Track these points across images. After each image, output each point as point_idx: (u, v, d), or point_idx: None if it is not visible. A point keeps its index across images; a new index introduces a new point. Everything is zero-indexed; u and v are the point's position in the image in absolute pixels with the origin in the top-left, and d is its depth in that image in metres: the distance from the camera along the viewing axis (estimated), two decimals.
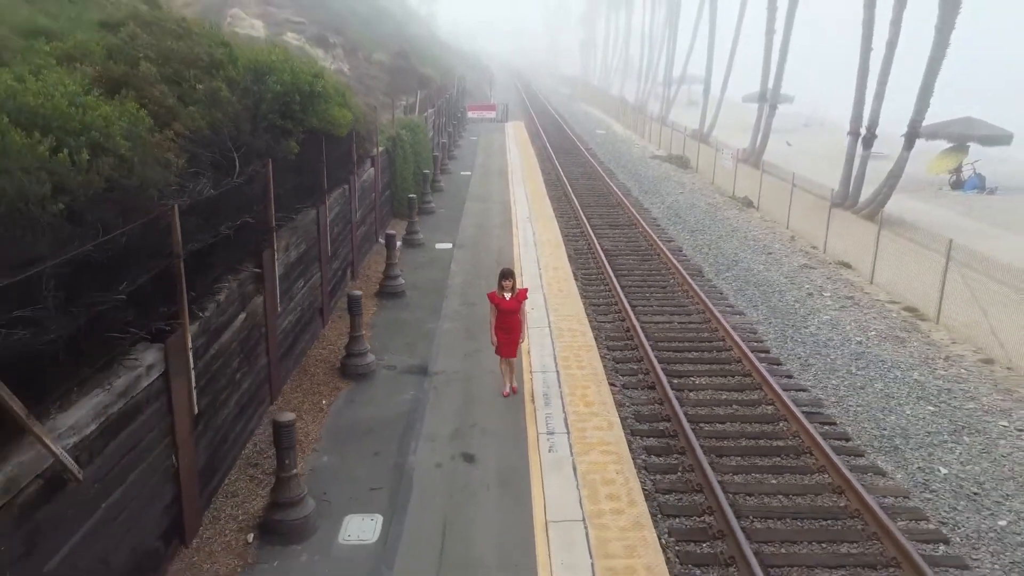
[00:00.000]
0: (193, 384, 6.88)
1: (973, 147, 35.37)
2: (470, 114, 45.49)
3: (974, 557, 7.94)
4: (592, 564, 6.87)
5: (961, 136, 34.79)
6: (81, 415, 5.17)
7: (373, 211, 17.52)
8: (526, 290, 9.95)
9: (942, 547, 8.00)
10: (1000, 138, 34.34)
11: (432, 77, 39.56)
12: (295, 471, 7.26)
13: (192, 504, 6.99)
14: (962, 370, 13.56)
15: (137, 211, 6.03)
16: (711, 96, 50.68)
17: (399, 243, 16.55)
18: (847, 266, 20.24)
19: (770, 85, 39.89)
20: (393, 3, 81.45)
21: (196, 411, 7.01)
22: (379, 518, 7.51)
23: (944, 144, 35.83)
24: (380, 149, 17.98)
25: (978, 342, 14.75)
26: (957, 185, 34.19)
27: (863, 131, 28.86)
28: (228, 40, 10.11)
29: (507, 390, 10.03)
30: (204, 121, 8.15)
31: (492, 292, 9.71)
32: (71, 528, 5.12)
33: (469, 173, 29.00)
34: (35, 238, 4.86)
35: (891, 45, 27.78)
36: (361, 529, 7.35)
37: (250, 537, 7.17)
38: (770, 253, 20.99)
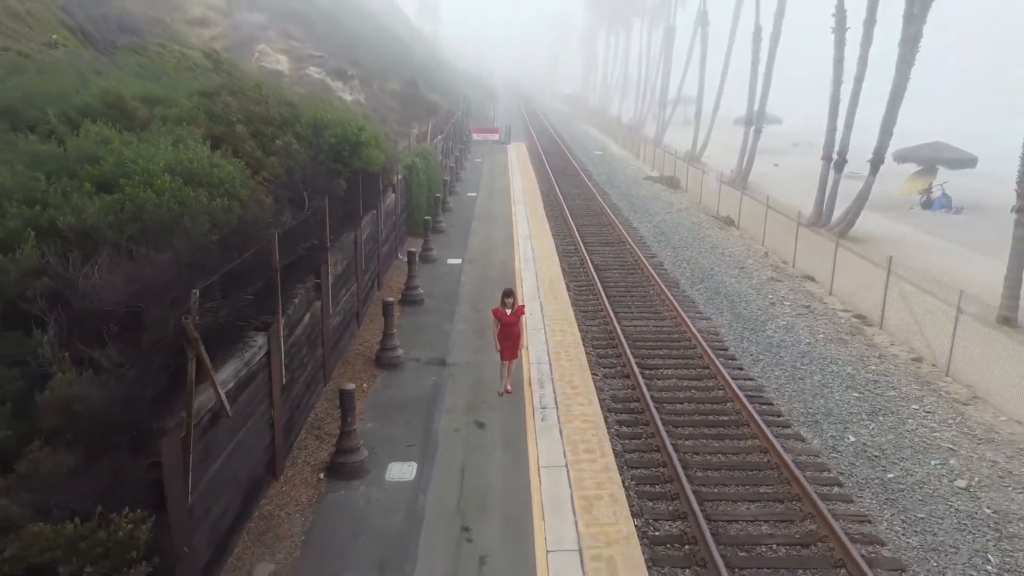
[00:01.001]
0: (282, 362, 9.53)
1: (941, 170, 38.10)
2: (475, 136, 48.29)
3: (858, 496, 10.55)
4: (571, 493, 9.47)
5: (930, 159, 37.56)
6: (227, 374, 7.81)
7: (394, 231, 20.23)
8: (523, 306, 12.50)
9: (836, 488, 10.62)
10: (966, 161, 37.05)
11: (439, 103, 42.43)
12: (354, 427, 9.89)
13: (281, 449, 9.62)
14: (892, 366, 16.17)
15: (252, 239, 8.71)
16: (705, 116, 53.53)
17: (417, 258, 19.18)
18: (811, 279, 22.87)
19: (755, 110, 42.75)
20: (398, 22, 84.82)
21: (283, 382, 9.65)
22: (414, 464, 10.13)
23: (915, 167, 38.60)
24: (399, 177, 20.69)
25: (912, 344, 17.35)
26: (927, 205, 36.87)
27: (835, 156, 31.64)
28: (293, 100, 12.84)
29: (502, 389, 12.33)
30: (282, 168, 10.86)
31: (496, 308, 12.17)
32: (220, 450, 7.75)
33: (475, 194, 31.72)
34: (205, 258, 7.53)
35: (858, 79, 30.61)
36: (401, 471, 9.96)
37: (321, 475, 9.79)
38: (743, 267, 23.64)
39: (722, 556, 8.72)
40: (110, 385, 6.20)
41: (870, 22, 29.63)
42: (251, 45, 32.86)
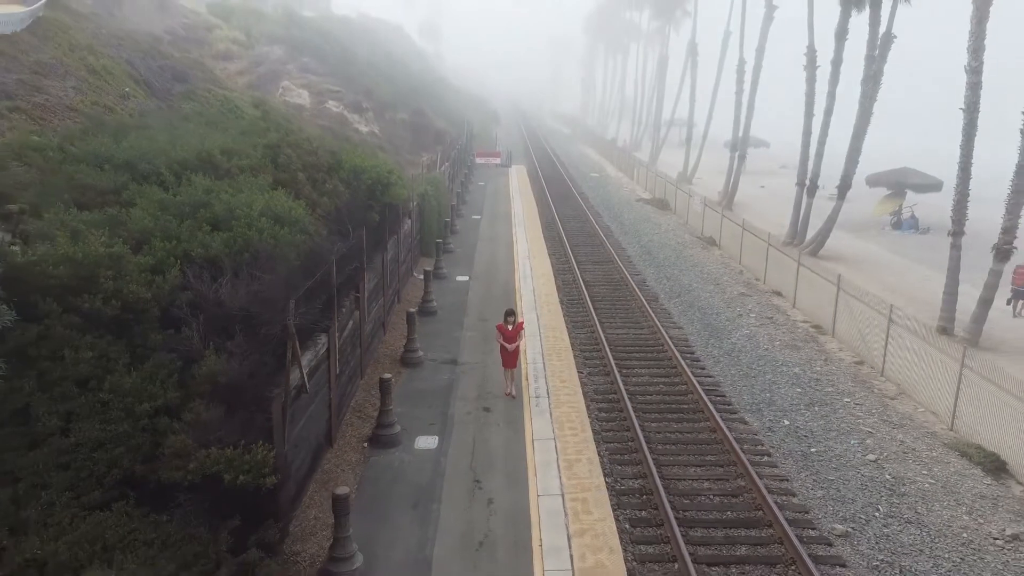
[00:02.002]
0: (336, 357, 12.46)
1: (910, 193, 41.13)
2: (478, 160, 51.40)
3: (782, 463, 13.44)
4: (557, 458, 12.36)
5: (898, 184, 40.62)
6: (305, 362, 10.75)
7: (410, 252, 23.22)
8: (522, 323, 15.38)
9: (765, 458, 13.51)
10: (931, 186, 40.10)
11: (446, 130, 45.59)
12: (390, 407, 12.81)
13: (335, 423, 12.54)
14: (835, 368, 19.08)
15: (318, 263, 11.68)
16: (695, 141, 56.63)
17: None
18: (778, 294, 25.79)
19: (739, 136, 45.87)
20: (403, 46, 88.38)
21: (336, 372, 12.58)
22: (436, 437, 13.02)
23: (885, 191, 41.63)
24: (414, 205, 23.71)
25: (857, 350, 20.24)
26: (897, 225, 39.88)
27: (807, 183, 34.69)
28: (336, 150, 15.87)
29: (507, 391, 15.13)
30: (331, 206, 13.85)
31: (500, 324, 15.03)
32: (300, 417, 10.66)
33: (479, 217, 34.75)
34: (293, 278, 10.48)
35: (828, 112, 33.72)
36: (427, 442, 12.85)
37: (365, 444, 12.69)
38: (718, 283, 26.59)
39: (670, 501, 11.61)
40: (239, 365, 9.16)
41: (837, 61, 32.76)
42: (276, 81, 36.01)
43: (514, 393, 14.88)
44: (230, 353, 9.18)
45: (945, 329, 22.58)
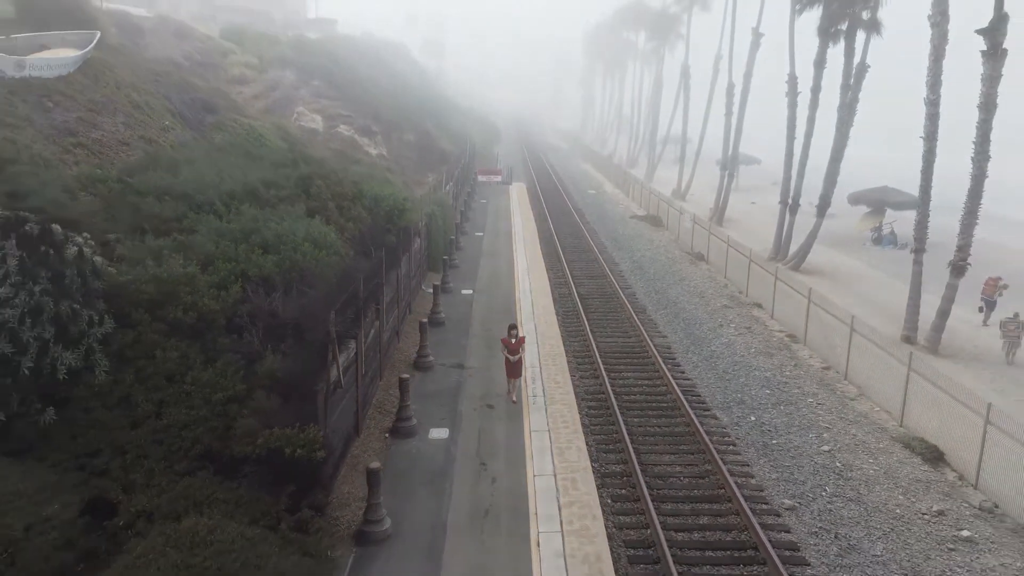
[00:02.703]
0: (362, 360, 14.61)
1: (889, 210, 43.37)
2: (480, 178, 53.71)
3: (745, 452, 15.57)
4: (551, 446, 14.48)
5: (879, 201, 42.85)
6: (341, 360, 12.89)
7: (419, 268, 25.41)
8: (524, 338, 17.42)
9: (731, 447, 15.64)
10: (910, 204, 42.22)
11: (450, 150, 47.94)
12: (408, 403, 14.95)
13: (360, 416, 14.68)
14: (803, 372, 21.21)
15: (350, 281, 13.86)
16: (689, 158, 59.03)
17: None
18: (759, 306, 27.94)
19: (728, 155, 48.23)
20: (407, 66, 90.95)
21: (363, 372, 14.73)
22: (447, 429, 15.15)
23: (866, 208, 43.87)
24: (423, 224, 25.93)
25: (825, 356, 22.36)
26: (877, 241, 42.10)
27: (790, 202, 36.94)
28: (358, 180, 18.11)
29: (511, 397, 17.14)
30: (356, 230, 16.06)
31: (504, 338, 17.09)
32: (335, 409, 12.79)
33: (481, 234, 36.98)
34: (331, 293, 12.66)
35: (808, 135, 36.05)
36: (439, 433, 14.97)
37: (387, 435, 14.82)
38: (702, 296, 28.77)
39: (645, 482, 13.73)
40: (291, 364, 11.33)
41: (816, 88, 35.11)
42: (290, 106, 38.37)
43: (516, 400, 16.75)
44: (284, 354, 11.35)
45: (909, 338, 24.73)
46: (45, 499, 8.73)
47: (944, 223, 42.77)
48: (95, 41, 23.90)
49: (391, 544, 11.17)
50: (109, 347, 10.33)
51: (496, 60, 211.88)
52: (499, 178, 54.82)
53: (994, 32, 22.15)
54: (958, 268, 23.67)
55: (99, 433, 9.86)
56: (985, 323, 27.25)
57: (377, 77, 61.07)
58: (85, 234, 11.66)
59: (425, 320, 18.52)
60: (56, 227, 11.16)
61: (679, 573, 11.33)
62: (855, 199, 43.07)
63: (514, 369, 16.59)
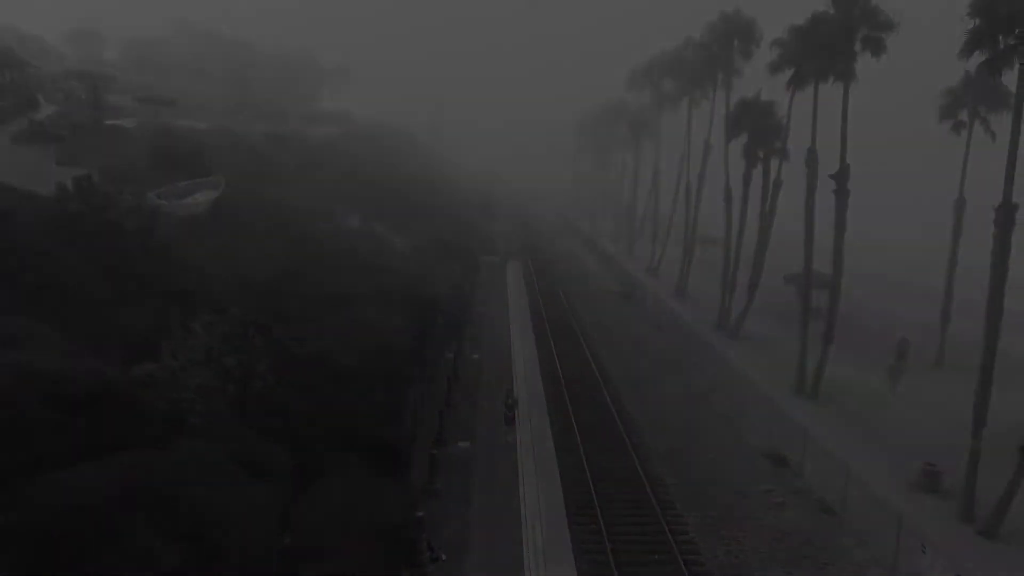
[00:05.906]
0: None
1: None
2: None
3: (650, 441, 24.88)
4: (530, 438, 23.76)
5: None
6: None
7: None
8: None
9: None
10: (825, 284, 52.06)
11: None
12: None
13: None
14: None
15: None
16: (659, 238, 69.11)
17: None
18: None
19: (687, 237, 58.36)
20: (417, 160, 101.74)
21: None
22: (469, 443, 24.40)
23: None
24: None
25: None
26: None
27: (727, 282, 46.78)
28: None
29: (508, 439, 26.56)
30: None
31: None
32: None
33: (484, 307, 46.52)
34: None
35: (740, 234, 46.12)
36: (465, 445, 24.21)
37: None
38: (653, 356, 38.24)
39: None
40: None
41: (744, 197, 45.39)
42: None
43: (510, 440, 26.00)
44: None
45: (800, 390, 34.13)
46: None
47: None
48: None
49: None
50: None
51: (508, 136, 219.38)
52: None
53: (841, 176, 32.45)
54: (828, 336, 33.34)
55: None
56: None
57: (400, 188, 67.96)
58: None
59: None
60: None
61: None
62: (789, 280, 52.88)
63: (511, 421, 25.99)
